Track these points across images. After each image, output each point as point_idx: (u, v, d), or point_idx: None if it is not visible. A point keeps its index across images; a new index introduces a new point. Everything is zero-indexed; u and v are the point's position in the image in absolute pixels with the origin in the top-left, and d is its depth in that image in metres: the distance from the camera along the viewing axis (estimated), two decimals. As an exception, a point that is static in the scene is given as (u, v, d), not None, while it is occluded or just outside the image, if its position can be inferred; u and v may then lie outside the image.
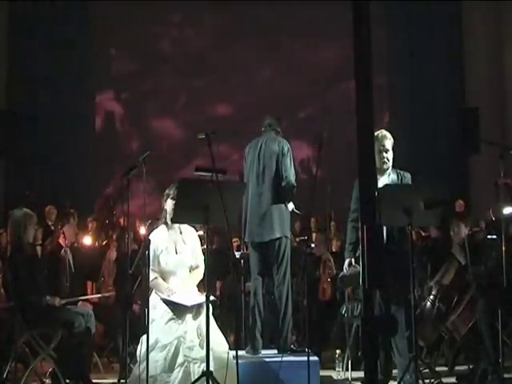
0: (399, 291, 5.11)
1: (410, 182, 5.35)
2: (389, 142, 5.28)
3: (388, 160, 5.27)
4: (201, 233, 5.68)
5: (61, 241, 6.83)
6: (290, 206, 5.75)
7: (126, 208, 5.14)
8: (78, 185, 11.93)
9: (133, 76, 12.72)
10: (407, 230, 4.85)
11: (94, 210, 10.58)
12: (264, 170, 5.71)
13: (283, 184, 5.63)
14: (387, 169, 5.28)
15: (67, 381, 5.53)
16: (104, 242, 8.85)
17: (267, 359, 5.43)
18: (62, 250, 6.56)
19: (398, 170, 5.36)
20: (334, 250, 8.46)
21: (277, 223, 5.61)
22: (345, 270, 5.46)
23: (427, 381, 5.15)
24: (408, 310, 4.94)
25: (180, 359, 4.81)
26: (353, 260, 5.36)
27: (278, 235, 5.61)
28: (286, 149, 5.70)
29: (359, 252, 3.57)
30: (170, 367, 4.80)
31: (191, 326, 4.94)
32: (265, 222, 5.62)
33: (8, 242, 5.95)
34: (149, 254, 4.84)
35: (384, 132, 5.31)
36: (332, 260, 7.79)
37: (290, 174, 5.63)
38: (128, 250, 5.62)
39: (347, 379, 6.14)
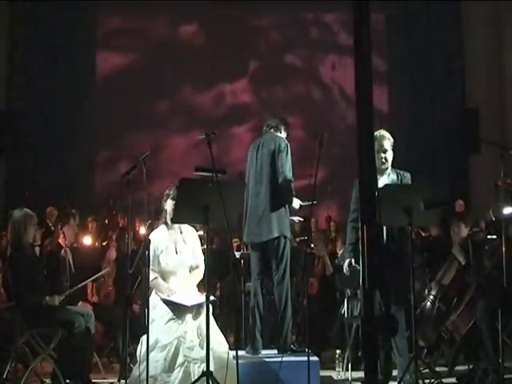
0: (399, 291, 5.12)
1: (409, 182, 5.35)
2: (387, 142, 5.28)
3: (386, 160, 5.26)
4: (201, 233, 5.68)
5: (61, 241, 6.83)
6: (297, 202, 5.72)
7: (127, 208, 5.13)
8: (78, 185, 11.93)
9: (134, 75, 12.72)
10: (407, 230, 4.86)
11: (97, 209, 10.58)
12: (262, 169, 5.69)
13: (280, 180, 5.60)
14: (386, 169, 5.27)
15: (67, 381, 5.53)
16: (104, 242, 8.85)
17: (267, 359, 5.43)
18: (62, 250, 6.55)
19: (398, 170, 5.35)
20: (337, 251, 8.44)
21: (275, 223, 5.59)
22: (345, 270, 5.46)
23: (427, 381, 5.15)
24: (408, 310, 4.95)
25: (180, 359, 4.81)
26: (353, 260, 5.36)
27: (275, 235, 5.59)
28: (282, 145, 5.66)
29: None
30: (170, 367, 4.80)
31: (191, 326, 4.94)
32: (263, 222, 5.61)
33: (8, 242, 5.94)
34: (149, 253, 4.84)
35: (382, 132, 5.30)
36: (328, 258, 7.79)
37: (286, 169, 5.60)
38: (128, 250, 5.62)
39: (347, 379, 6.14)
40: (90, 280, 6.52)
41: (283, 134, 5.89)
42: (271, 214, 5.60)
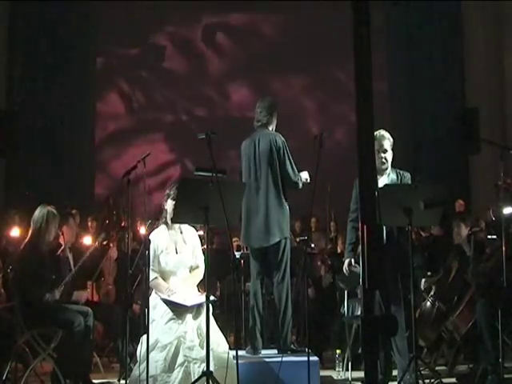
0: (399, 291, 5.13)
1: (409, 182, 5.36)
2: (387, 142, 5.28)
3: (386, 160, 5.27)
4: (201, 233, 5.68)
5: (61, 240, 6.81)
6: (305, 174, 5.65)
7: (126, 208, 5.14)
8: (79, 184, 11.93)
9: (135, 76, 12.71)
10: (407, 230, 4.86)
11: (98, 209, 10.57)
12: (260, 171, 5.63)
13: (286, 184, 5.60)
14: (386, 169, 5.28)
15: (67, 381, 5.53)
16: (104, 242, 8.83)
17: (267, 359, 5.42)
18: (60, 249, 6.50)
19: (398, 170, 5.36)
20: (339, 250, 8.42)
21: (275, 227, 5.55)
22: (345, 270, 5.47)
23: (427, 381, 5.15)
24: (408, 310, 4.95)
25: (180, 359, 4.82)
26: (352, 260, 5.38)
27: (277, 239, 5.57)
28: (279, 143, 5.61)
29: (359, 252, 3.55)
30: (170, 367, 4.80)
31: (191, 326, 4.94)
32: (264, 226, 5.56)
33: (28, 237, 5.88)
34: (149, 253, 4.84)
35: (382, 132, 5.30)
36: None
37: (291, 174, 5.60)
38: (128, 250, 5.61)
39: (347, 379, 6.15)
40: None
41: (274, 126, 5.84)
42: (271, 218, 5.55)
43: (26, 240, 5.79)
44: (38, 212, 5.72)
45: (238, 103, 12.45)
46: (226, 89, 12.73)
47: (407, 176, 5.35)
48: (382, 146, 5.22)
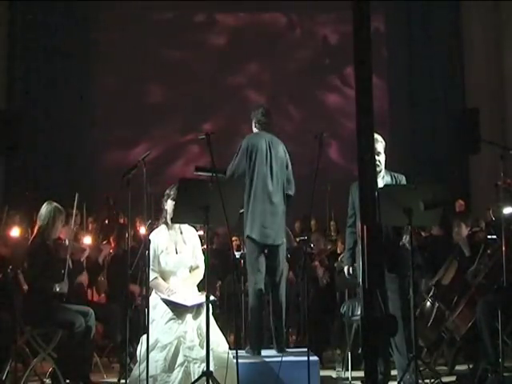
0: (397, 291, 5.14)
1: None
2: (380, 145, 5.30)
3: (380, 163, 5.28)
4: (201, 233, 5.68)
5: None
6: None
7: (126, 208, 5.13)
8: (79, 185, 11.92)
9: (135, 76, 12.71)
10: (404, 231, 4.88)
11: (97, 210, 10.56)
12: (276, 174, 5.67)
13: (292, 191, 5.73)
14: (380, 171, 5.29)
15: (67, 381, 5.53)
16: (104, 242, 8.82)
17: (267, 359, 5.43)
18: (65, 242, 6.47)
19: (393, 173, 5.37)
20: (338, 251, 8.40)
21: (283, 227, 5.71)
22: (346, 275, 5.56)
23: (427, 381, 5.16)
24: (408, 310, 4.96)
25: (180, 359, 4.81)
26: (351, 269, 5.47)
27: (284, 240, 5.71)
28: (287, 154, 5.78)
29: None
30: (170, 367, 4.80)
31: (191, 326, 4.94)
32: (277, 226, 5.63)
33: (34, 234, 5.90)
34: (149, 253, 4.84)
35: (375, 135, 5.30)
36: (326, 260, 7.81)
37: (293, 184, 5.74)
38: (128, 248, 5.61)
39: (347, 379, 6.15)
40: None
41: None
42: (283, 221, 5.69)
43: (33, 236, 5.81)
44: (45, 209, 5.73)
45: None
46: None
47: (402, 179, 5.38)
48: (375, 148, 5.23)
